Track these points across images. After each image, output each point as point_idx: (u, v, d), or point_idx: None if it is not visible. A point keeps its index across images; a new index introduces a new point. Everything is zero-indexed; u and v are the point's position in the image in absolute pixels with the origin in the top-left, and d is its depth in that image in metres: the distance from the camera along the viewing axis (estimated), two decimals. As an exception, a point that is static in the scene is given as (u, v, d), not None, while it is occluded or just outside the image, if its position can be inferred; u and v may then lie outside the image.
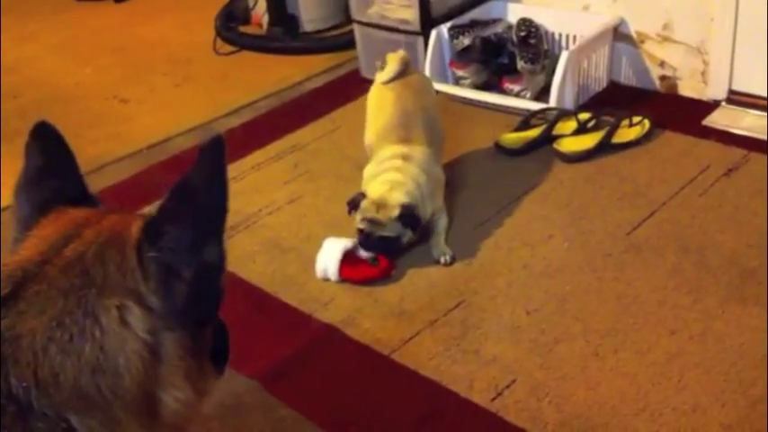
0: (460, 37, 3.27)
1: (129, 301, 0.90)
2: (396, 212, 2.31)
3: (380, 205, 2.32)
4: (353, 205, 2.37)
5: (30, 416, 0.84)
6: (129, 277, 0.91)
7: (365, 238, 2.34)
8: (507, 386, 1.93)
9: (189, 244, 0.94)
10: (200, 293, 0.95)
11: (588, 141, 2.81)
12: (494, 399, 1.90)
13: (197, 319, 0.97)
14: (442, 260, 2.36)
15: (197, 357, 0.97)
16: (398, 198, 2.33)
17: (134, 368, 0.90)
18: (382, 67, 2.72)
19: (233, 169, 2.97)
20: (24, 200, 1.04)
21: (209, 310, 1.00)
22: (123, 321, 0.90)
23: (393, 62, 2.69)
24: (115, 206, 1.09)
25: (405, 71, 2.69)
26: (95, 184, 3.03)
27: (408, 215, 2.32)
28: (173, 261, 0.93)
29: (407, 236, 2.36)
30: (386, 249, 2.34)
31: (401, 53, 2.73)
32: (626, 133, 2.85)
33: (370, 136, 2.64)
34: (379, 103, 2.66)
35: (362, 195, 2.36)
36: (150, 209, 0.96)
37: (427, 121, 2.59)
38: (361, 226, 2.34)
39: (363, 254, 2.36)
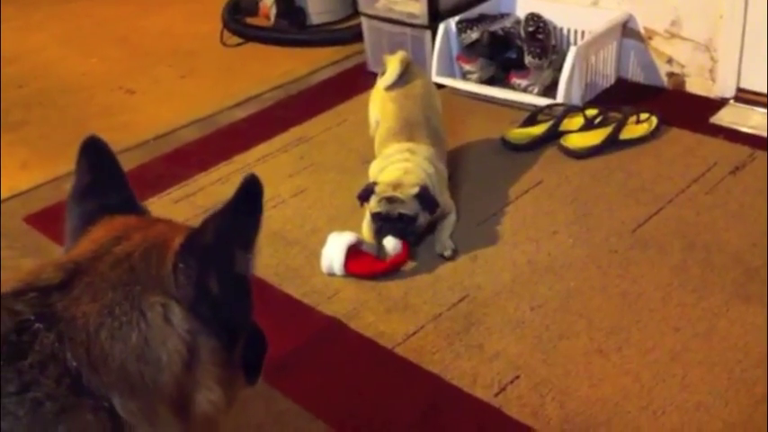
0: (468, 31, 3.26)
1: (172, 302, 0.96)
2: (414, 190, 2.33)
3: (397, 185, 2.34)
4: (366, 194, 2.37)
5: (80, 390, 0.90)
6: (167, 282, 0.97)
7: (383, 221, 2.34)
8: (511, 381, 1.93)
9: (221, 260, 0.99)
10: (229, 304, 1.01)
11: (595, 137, 2.81)
12: (497, 394, 1.90)
13: (228, 328, 1.01)
14: (445, 254, 2.36)
15: (229, 364, 1.02)
16: (414, 179, 2.36)
17: (174, 364, 0.95)
18: (382, 72, 2.72)
19: (238, 161, 2.98)
20: (74, 214, 1.10)
21: (240, 320, 1.04)
22: (166, 318, 0.96)
23: (393, 65, 2.68)
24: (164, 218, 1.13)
25: (406, 74, 2.68)
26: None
27: (426, 195, 2.34)
28: (204, 274, 0.97)
29: (424, 218, 2.36)
30: (404, 230, 2.34)
31: (401, 54, 2.73)
32: (633, 130, 2.84)
33: (372, 134, 2.66)
34: (382, 110, 2.67)
35: (374, 184, 2.37)
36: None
37: (430, 128, 2.60)
38: (378, 209, 2.34)
39: (368, 248, 2.36)
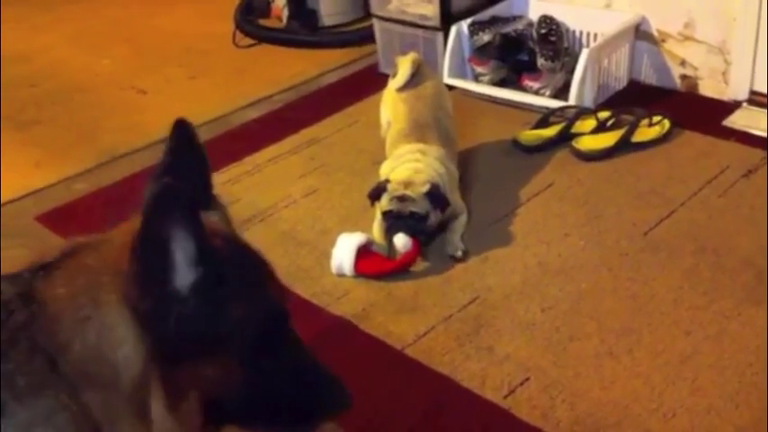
0: (480, 33, 3.26)
1: (125, 306, 0.93)
2: (425, 188, 2.33)
3: (408, 184, 2.34)
4: (377, 193, 2.38)
5: (58, 371, 0.90)
6: (125, 285, 0.94)
7: (394, 219, 2.34)
8: (520, 383, 1.92)
9: (155, 275, 0.94)
10: (166, 322, 0.94)
11: (607, 140, 2.80)
12: (506, 396, 1.89)
13: (171, 348, 0.96)
14: (456, 255, 2.36)
15: (176, 390, 0.97)
16: (425, 178, 2.36)
17: (130, 368, 0.94)
18: (394, 74, 2.72)
19: (249, 162, 2.98)
20: (148, 191, 1.06)
21: (181, 342, 0.96)
22: (120, 322, 0.93)
23: (404, 66, 2.69)
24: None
25: (417, 75, 2.68)
26: (112, 174, 3.08)
27: (436, 193, 2.34)
28: (142, 287, 0.94)
29: (435, 217, 2.36)
30: (415, 229, 2.34)
31: (412, 56, 2.73)
32: (645, 132, 2.83)
33: (383, 135, 2.66)
34: (393, 111, 2.67)
35: (386, 182, 2.37)
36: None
37: (441, 130, 2.60)
38: (389, 207, 2.34)
39: (378, 249, 2.36)
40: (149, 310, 0.93)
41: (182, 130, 1.13)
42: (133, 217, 1.01)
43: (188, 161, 1.12)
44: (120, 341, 0.93)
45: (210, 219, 1.11)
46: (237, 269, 1.03)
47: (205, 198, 1.12)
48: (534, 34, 3.20)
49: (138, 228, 0.93)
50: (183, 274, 0.94)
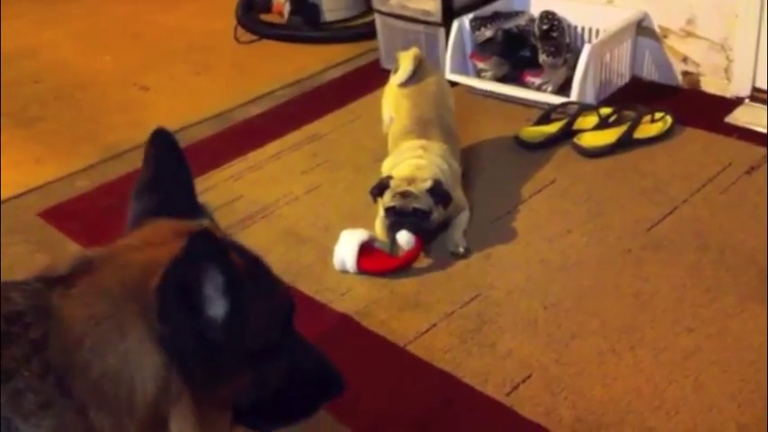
0: (482, 29, 3.25)
1: (151, 333, 0.94)
2: (428, 184, 2.33)
3: (411, 180, 2.35)
4: (380, 189, 2.38)
5: (65, 390, 0.90)
6: (149, 312, 0.94)
7: (396, 215, 2.34)
8: (523, 380, 1.93)
9: (187, 306, 0.95)
10: (202, 349, 0.96)
11: (609, 136, 2.79)
12: (509, 393, 1.90)
13: (204, 372, 0.98)
14: (458, 252, 2.36)
15: (207, 407, 0.99)
16: (427, 174, 2.36)
17: (148, 393, 0.94)
18: (395, 69, 2.72)
19: (251, 158, 2.98)
20: (132, 210, 1.10)
21: (216, 366, 0.99)
22: (143, 348, 0.94)
23: (406, 62, 2.69)
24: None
25: (419, 71, 2.68)
26: (114, 171, 3.08)
27: (439, 189, 2.34)
28: (174, 317, 0.95)
29: (438, 213, 2.36)
30: (418, 225, 2.34)
31: (413, 51, 2.73)
32: (647, 129, 2.83)
33: (385, 131, 2.66)
34: (395, 107, 2.67)
35: (388, 179, 2.37)
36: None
37: (443, 126, 2.60)
38: (392, 203, 2.34)
39: (380, 246, 2.36)
40: (181, 340, 0.95)
41: (161, 138, 1.12)
42: (140, 229, 1.04)
43: (170, 171, 1.12)
44: (141, 367, 0.94)
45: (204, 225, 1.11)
46: (254, 279, 1.04)
47: (191, 206, 1.12)
48: (536, 30, 3.20)
49: (166, 258, 0.94)
50: (216, 305, 0.96)
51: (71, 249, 2.54)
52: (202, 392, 0.98)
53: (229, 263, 0.96)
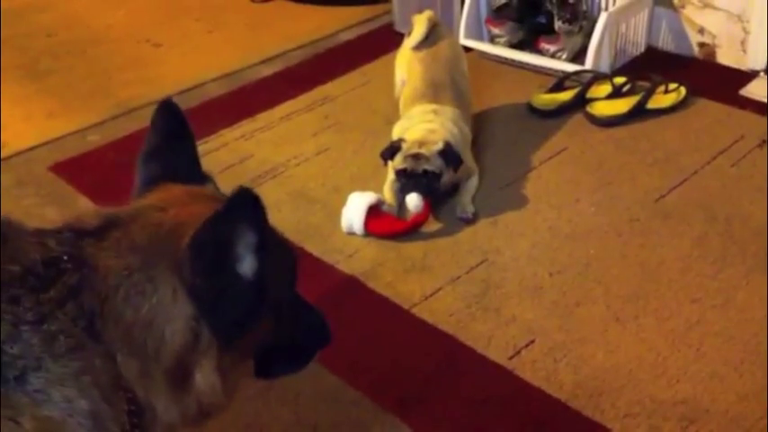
0: (498, -6, 3.23)
1: (182, 286, 0.99)
2: (439, 146, 2.34)
3: (422, 143, 2.35)
4: (391, 152, 2.38)
5: (95, 335, 0.94)
6: (181, 266, 0.99)
7: (407, 177, 2.35)
8: (525, 346, 1.94)
9: (220, 260, 1.00)
10: (231, 302, 1.02)
11: (622, 106, 2.78)
12: (511, 357, 1.91)
13: (232, 324, 1.03)
14: (465, 216, 2.36)
15: (228, 354, 1.05)
16: (439, 137, 2.37)
17: (176, 343, 0.99)
18: (409, 32, 2.71)
19: (262, 119, 2.98)
20: (140, 175, 1.16)
21: (243, 318, 1.05)
22: (175, 300, 0.99)
23: (420, 25, 2.67)
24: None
25: (433, 35, 2.67)
26: (126, 127, 3.08)
27: (450, 151, 2.35)
28: (207, 271, 0.99)
29: (448, 176, 2.37)
30: (428, 187, 2.34)
31: (428, 14, 2.72)
32: (661, 99, 2.81)
33: (397, 94, 2.65)
34: (408, 70, 2.66)
35: (400, 141, 2.37)
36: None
37: (456, 90, 2.59)
38: (403, 165, 2.35)
39: (388, 209, 2.36)
40: (212, 293, 1.00)
41: (168, 108, 1.18)
42: (155, 192, 1.10)
43: (175, 140, 1.17)
44: (172, 318, 0.98)
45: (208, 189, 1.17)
46: (271, 237, 1.08)
47: (195, 173, 1.17)
48: (552, -4, 3.18)
49: (191, 218, 1.01)
50: (247, 263, 1.01)
51: (81, 203, 2.55)
52: (228, 344, 1.03)
53: (266, 224, 1.01)
